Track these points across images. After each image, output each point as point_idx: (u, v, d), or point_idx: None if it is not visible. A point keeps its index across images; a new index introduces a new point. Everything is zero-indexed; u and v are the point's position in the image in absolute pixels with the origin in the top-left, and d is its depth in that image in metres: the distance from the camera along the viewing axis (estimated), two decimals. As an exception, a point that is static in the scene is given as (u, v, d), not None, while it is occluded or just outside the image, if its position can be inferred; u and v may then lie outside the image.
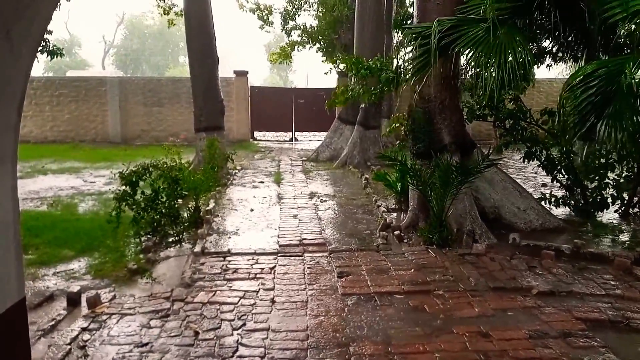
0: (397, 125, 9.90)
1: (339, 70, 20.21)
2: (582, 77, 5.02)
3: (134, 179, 6.71)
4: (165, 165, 7.12)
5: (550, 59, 7.95)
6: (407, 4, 15.80)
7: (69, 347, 3.97)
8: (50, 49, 8.98)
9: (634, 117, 4.78)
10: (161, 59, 52.24)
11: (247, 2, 20.60)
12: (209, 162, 9.99)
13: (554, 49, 7.66)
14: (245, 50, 62.09)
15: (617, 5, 4.76)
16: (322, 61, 20.28)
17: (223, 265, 5.87)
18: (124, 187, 6.72)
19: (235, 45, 60.21)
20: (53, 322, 4.38)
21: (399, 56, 10.67)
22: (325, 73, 12.97)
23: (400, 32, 10.11)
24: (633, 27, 5.52)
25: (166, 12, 16.14)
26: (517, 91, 8.06)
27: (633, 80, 4.64)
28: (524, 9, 5.80)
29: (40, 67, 43.18)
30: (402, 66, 7.70)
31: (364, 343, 4.05)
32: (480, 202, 7.28)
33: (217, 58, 12.39)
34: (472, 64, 6.29)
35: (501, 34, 5.52)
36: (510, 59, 5.47)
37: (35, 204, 9.07)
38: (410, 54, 7.01)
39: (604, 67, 4.86)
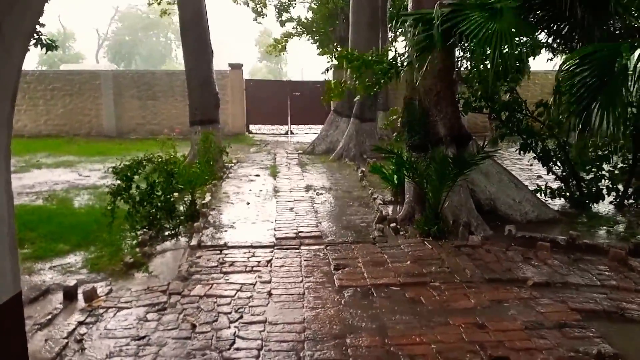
0: (395, 118, 9.86)
1: (333, 63, 20.18)
2: (578, 60, 5.01)
3: (128, 174, 6.68)
4: (159, 159, 7.09)
5: (548, 51, 7.94)
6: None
7: (65, 340, 3.97)
8: (45, 42, 8.86)
9: (626, 101, 4.78)
10: (155, 52, 51.94)
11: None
12: (204, 155, 9.97)
13: (551, 41, 7.65)
14: (237, 43, 61.82)
15: None
16: (318, 54, 20.26)
17: (220, 258, 5.86)
18: (118, 182, 6.69)
19: (228, 38, 59.93)
20: (49, 316, 4.37)
21: (394, 48, 10.65)
22: (318, 54, 12.88)
23: (396, 22, 10.04)
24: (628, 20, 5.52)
25: (158, 2, 15.99)
26: (513, 83, 8.06)
27: (628, 62, 4.60)
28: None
29: (33, 60, 42.93)
30: (399, 56, 7.66)
31: (360, 335, 4.06)
32: (476, 194, 7.30)
33: (212, 51, 12.32)
34: (469, 54, 6.27)
35: (504, 19, 5.46)
36: (507, 48, 5.44)
37: (30, 198, 9.03)
38: (406, 44, 6.98)
39: (601, 51, 4.85)
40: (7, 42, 2.17)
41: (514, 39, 5.44)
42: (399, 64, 7.53)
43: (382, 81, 8.54)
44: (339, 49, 9.70)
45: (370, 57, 8.42)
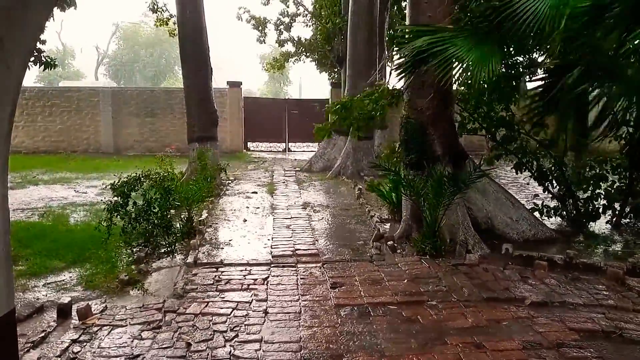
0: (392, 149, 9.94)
1: (333, 81, 20.38)
2: (548, 73, 5.15)
3: (125, 190, 6.67)
4: (157, 176, 7.09)
5: (543, 71, 8.02)
6: (402, 9, 15.98)
7: (59, 359, 3.92)
8: (44, 60, 8.90)
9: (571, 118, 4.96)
10: (155, 70, 52.21)
11: (244, 13, 20.78)
12: (201, 172, 9.98)
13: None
14: (241, 58, 62.06)
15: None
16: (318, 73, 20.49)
17: (216, 276, 5.83)
18: (115, 198, 6.68)
19: (231, 53, 60.23)
20: (43, 334, 4.32)
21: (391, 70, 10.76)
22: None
23: (391, 44, 10.19)
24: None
25: (164, 22, 16.02)
26: (508, 102, 8.11)
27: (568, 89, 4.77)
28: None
29: (32, 77, 43.05)
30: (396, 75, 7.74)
31: (357, 354, 4.02)
32: (473, 212, 7.30)
33: (211, 69, 12.42)
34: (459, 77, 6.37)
35: (478, 53, 5.60)
36: (489, 72, 5.55)
37: (26, 214, 8.99)
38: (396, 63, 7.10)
39: (564, 67, 4.96)
40: (8, 58, 2.19)
41: (485, 67, 5.55)
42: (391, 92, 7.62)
43: (378, 114, 8.59)
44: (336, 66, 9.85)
45: (356, 102, 8.52)
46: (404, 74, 6.37)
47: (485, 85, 5.95)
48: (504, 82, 6.18)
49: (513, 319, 4.68)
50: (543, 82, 5.10)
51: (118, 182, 6.73)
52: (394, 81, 7.67)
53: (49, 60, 8.97)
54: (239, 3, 20.86)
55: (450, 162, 7.20)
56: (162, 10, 15.79)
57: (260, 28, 20.84)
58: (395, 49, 7.03)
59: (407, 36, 6.53)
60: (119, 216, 6.60)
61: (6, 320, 2.35)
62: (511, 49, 7.15)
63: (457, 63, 5.56)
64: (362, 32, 14.25)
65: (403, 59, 6.22)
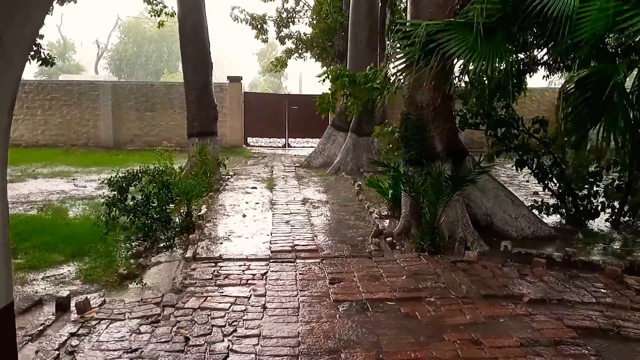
0: (386, 130, 9.92)
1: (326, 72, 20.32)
2: (575, 84, 5.09)
3: (123, 185, 6.66)
4: (155, 171, 7.07)
5: (544, 69, 8.01)
6: (401, 9, 15.95)
7: (57, 352, 3.93)
8: (43, 56, 8.86)
9: (629, 121, 4.88)
10: (157, 65, 52.01)
11: (241, 12, 20.69)
12: (200, 167, 9.98)
13: (547, 59, 7.72)
14: (238, 55, 62.06)
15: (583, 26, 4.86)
16: (318, 78, 20.48)
17: (214, 270, 5.83)
18: (114, 193, 6.67)
19: (230, 50, 60.16)
20: (41, 327, 4.33)
21: (390, 64, 10.76)
22: (318, 77, 12.97)
23: (390, 33, 10.16)
24: (623, 38, 5.59)
25: (157, 13, 16.01)
26: (509, 99, 8.11)
27: (626, 80, 4.74)
28: (512, 18, 5.84)
29: (32, 70, 42.92)
30: (395, 74, 7.73)
31: (355, 350, 4.03)
32: (472, 209, 7.30)
33: (211, 64, 12.39)
34: (463, 70, 6.32)
35: (489, 41, 5.55)
36: (498, 65, 5.52)
37: (25, 208, 8.99)
38: (399, 56, 7.05)
39: (596, 74, 4.93)
40: (7, 53, 2.18)
41: (495, 59, 5.52)
42: (390, 80, 7.58)
43: (378, 96, 8.58)
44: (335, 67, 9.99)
45: (363, 76, 8.47)
46: (406, 65, 6.32)
47: (486, 81, 5.96)
48: (504, 80, 6.16)
49: (511, 316, 4.69)
50: (580, 88, 5.06)
51: (115, 178, 6.70)
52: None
53: (47, 57, 8.94)
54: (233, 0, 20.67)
55: (450, 159, 7.19)
56: (156, 2, 15.72)
57: (259, 26, 20.76)
58: (396, 41, 6.92)
59: (407, 29, 6.49)
60: (118, 211, 6.59)
61: (5, 313, 2.36)
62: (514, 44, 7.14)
63: (464, 53, 5.52)
64: (362, 28, 14.23)
65: (406, 51, 6.16)
